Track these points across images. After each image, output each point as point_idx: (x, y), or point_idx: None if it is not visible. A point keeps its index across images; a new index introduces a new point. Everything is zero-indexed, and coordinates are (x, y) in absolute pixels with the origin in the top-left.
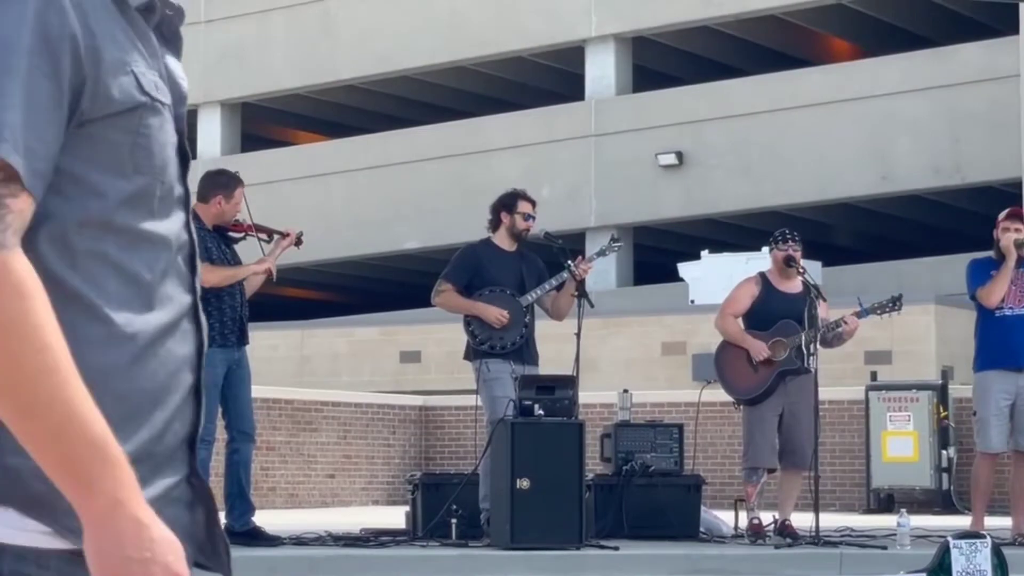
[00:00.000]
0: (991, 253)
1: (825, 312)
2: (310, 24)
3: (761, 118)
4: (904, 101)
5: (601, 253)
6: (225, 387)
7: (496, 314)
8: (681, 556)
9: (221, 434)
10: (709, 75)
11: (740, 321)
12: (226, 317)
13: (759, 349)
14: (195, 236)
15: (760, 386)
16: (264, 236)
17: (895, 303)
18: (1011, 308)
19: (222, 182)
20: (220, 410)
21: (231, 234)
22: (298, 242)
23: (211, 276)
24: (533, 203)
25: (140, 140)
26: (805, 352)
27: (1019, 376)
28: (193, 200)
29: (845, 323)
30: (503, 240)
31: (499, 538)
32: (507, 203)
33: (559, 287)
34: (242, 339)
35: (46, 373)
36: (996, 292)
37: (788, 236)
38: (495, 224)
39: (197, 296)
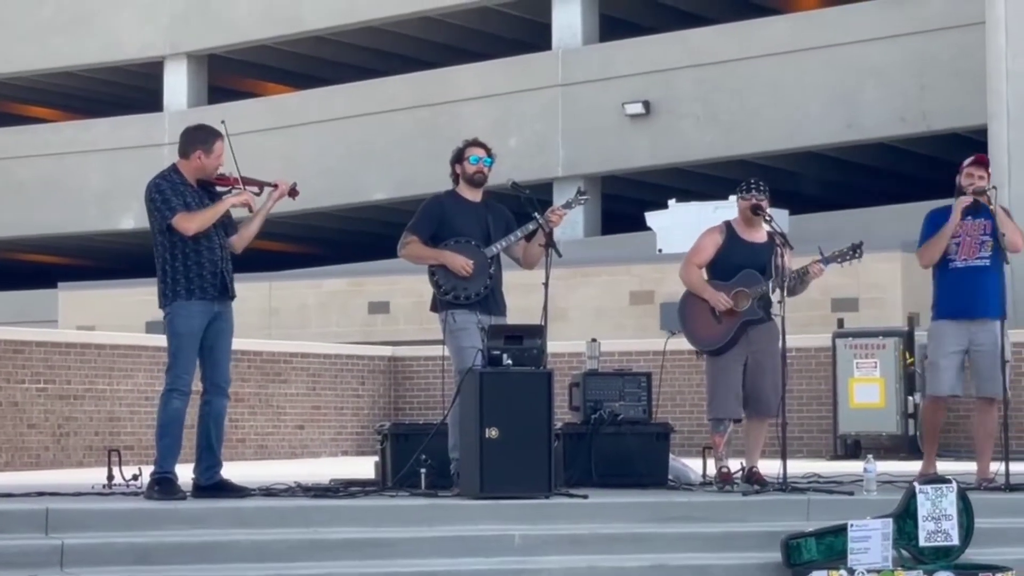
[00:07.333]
0: (953, 202)
1: (790, 261)
2: None
3: (728, 67)
4: (870, 49)
5: (567, 206)
6: (204, 339)
7: (461, 262)
8: (649, 504)
9: (198, 386)
10: (676, 24)
11: (704, 271)
12: (204, 270)
13: (720, 300)
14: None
15: (723, 337)
16: (254, 188)
17: (855, 251)
18: (964, 260)
19: (200, 137)
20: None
21: (217, 188)
22: (292, 192)
23: (190, 224)
24: (485, 147)
25: None
26: (770, 302)
27: (971, 324)
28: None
29: (810, 271)
30: (466, 191)
31: (468, 488)
32: (457, 155)
33: (527, 237)
34: (224, 292)
35: None
36: (928, 254)
37: (754, 185)
38: (455, 179)
39: None
